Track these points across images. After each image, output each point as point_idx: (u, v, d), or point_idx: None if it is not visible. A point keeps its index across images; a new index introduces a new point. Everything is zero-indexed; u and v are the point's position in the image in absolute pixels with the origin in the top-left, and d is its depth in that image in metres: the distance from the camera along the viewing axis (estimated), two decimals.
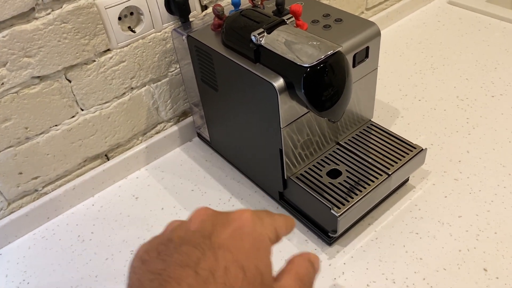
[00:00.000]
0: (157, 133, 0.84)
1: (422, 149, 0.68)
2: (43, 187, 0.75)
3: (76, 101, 0.71)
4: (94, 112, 0.74)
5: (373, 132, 0.72)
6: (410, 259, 0.62)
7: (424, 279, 0.60)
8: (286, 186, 0.67)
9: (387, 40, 1.07)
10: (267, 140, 0.64)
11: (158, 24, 0.74)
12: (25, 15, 0.61)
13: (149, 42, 0.74)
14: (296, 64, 0.53)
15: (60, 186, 0.76)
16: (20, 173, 0.71)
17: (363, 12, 1.08)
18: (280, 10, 0.65)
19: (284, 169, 0.65)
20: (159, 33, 0.75)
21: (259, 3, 0.67)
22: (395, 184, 0.68)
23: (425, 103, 0.88)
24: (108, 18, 0.68)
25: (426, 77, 0.95)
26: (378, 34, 0.64)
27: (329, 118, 0.57)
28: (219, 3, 0.75)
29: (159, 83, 0.79)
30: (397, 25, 1.13)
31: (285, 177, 0.66)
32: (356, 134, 0.72)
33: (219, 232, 0.28)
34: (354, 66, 0.64)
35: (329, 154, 0.69)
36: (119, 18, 0.70)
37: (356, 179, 0.65)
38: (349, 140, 0.71)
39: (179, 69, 0.80)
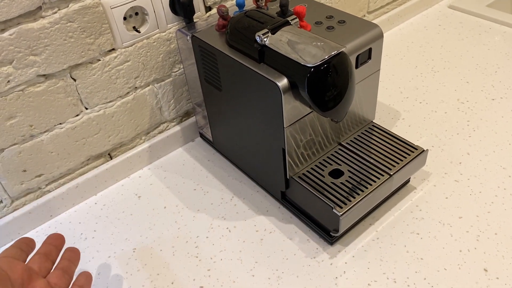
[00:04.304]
0: (160, 132, 0.85)
1: (423, 150, 0.69)
2: (47, 185, 0.75)
3: (81, 100, 0.72)
4: (98, 111, 0.74)
5: (374, 133, 0.73)
6: (411, 259, 0.63)
7: (425, 278, 0.60)
8: (288, 185, 0.68)
9: (389, 43, 1.08)
10: (270, 140, 0.65)
11: (163, 24, 0.74)
12: (32, 14, 0.61)
13: (154, 42, 0.75)
14: (300, 64, 0.54)
15: (63, 184, 0.76)
16: (24, 171, 0.71)
17: (364, 16, 1.09)
18: (284, 11, 0.66)
19: (286, 168, 0.65)
20: (163, 34, 0.75)
21: (263, 4, 0.68)
22: (397, 185, 0.69)
23: (426, 105, 0.89)
24: (114, 18, 0.68)
25: (427, 80, 0.95)
26: (380, 36, 0.65)
27: (332, 118, 0.58)
28: (223, 4, 0.75)
29: (163, 83, 0.80)
30: (398, 29, 1.13)
31: (288, 177, 0.67)
32: (358, 135, 0.73)
33: None
34: (357, 67, 0.65)
35: (331, 154, 0.70)
36: (124, 18, 0.70)
37: (358, 179, 0.65)
38: (351, 140, 0.72)
39: (182, 69, 0.81)
